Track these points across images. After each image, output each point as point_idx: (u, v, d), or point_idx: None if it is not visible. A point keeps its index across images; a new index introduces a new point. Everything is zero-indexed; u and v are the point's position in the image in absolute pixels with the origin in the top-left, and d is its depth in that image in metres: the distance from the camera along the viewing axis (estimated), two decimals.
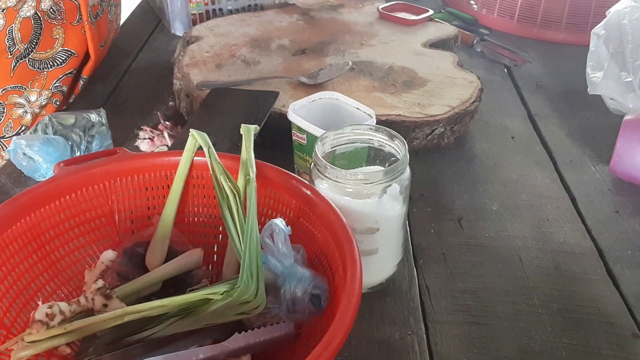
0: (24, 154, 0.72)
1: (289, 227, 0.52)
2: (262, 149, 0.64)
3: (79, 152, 0.76)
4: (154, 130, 0.86)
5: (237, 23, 1.10)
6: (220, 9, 1.21)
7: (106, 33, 1.04)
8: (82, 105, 0.97)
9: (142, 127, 0.86)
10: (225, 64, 0.95)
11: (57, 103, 0.96)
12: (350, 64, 0.90)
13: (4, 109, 0.91)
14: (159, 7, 1.28)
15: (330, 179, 0.56)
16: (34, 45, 0.89)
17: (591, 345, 0.58)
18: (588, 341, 0.58)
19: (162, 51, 1.15)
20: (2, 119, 0.92)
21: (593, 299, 0.63)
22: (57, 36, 0.93)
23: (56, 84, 0.94)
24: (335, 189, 0.57)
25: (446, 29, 1.07)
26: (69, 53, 0.94)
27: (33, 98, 0.92)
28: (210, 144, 0.58)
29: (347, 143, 0.61)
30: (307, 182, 0.56)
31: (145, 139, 0.84)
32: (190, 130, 0.59)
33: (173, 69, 0.97)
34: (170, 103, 0.96)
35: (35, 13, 0.89)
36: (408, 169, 0.59)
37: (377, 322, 0.60)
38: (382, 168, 0.57)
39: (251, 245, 0.49)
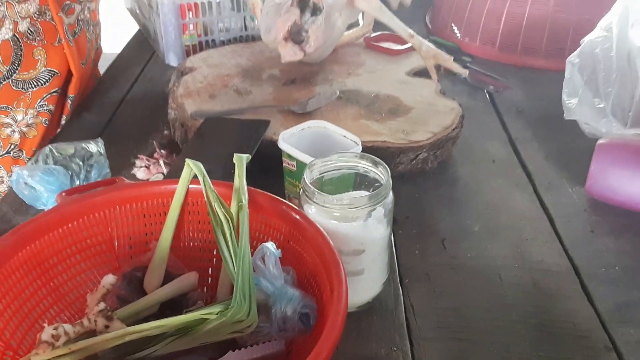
0: (26, 183, 0.76)
1: (279, 250, 0.55)
2: (255, 174, 0.67)
3: (78, 181, 0.80)
4: (150, 159, 0.89)
5: (229, 54, 1.14)
6: (213, 40, 1.26)
7: (86, 52, 1.09)
8: (80, 135, 1.00)
9: (138, 155, 0.90)
10: (218, 94, 0.99)
11: (47, 122, 0.99)
12: (338, 92, 0.94)
13: None
14: (153, 39, 1.32)
15: (318, 204, 0.60)
16: (16, 66, 0.94)
17: (566, 358, 0.61)
18: (564, 354, 0.62)
19: (156, 81, 1.19)
20: None
21: (569, 314, 0.66)
22: (39, 57, 0.98)
23: (41, 103, 0.99)
24: (323, 213, 0.61)
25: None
26: (52, 73, 0.99)
27: (19, 117, 0.97)
28: (205, 172, 0.62)
29: (334, 170, 0.65)
30: (296, 207, 0.60)
31: (141, 167, 0.88)
32: (186, 160, 0.63)
33: (168, 99, 1.01)
34: (166, 132, 0.99)
35: (14, 35, 0.94)
36: (391, 194, 0.62)
37: (364, 339, 0.63)
38: (367, 193, 0.61)
39: (244, 268, 0.53)
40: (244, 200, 0.58)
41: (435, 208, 0.83)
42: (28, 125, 0.98)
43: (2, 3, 0.93)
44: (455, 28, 1.35)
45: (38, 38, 0.98)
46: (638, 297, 0.69)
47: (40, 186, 0.75)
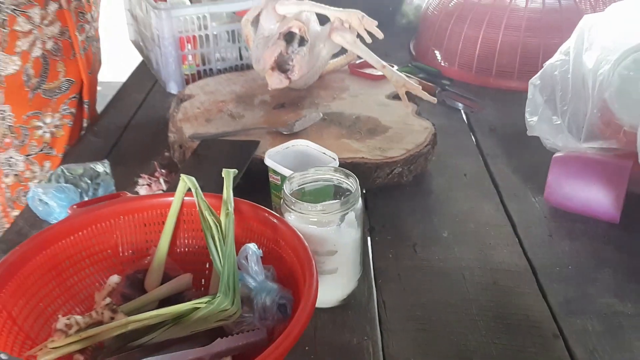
0: (40, 200, 0.85)
1: (261, 250, 0.64)
2: (246, 190, 0.77)
3: (86, 198, 0.89)
4: (151, 177, 0.99)
5: (224, 82, 1.24)
6: (211, 69, 1.36)
7: (92, 63, 1.29)
8: (89, 157, 1.09)
9: (140, 174, 0.99)
10: (213, 118, 1.09)
11: (71, 123, 1.20)
12: (322, 115, 1.04)
13: (27, 132, 1.15)
14: (155, 69, 1.43)
15: (296, 211, 0.69)
16: (44, 78, 1.14)
17: (518, 345, 0.69)
18: (516, 342, 0.70)
19: (158, 108, 1.29)
20: (27, 140, 1.16)
21: (523, 307, 0.74)
22: (60, 69, 1.19)
23: (64, 107, 1.19)
24: (301, 219, 0.69)
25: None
26: (70, 82, 1.20)
27: (48, 120, 1.17)
28: (198, 186, 0.71)
29: (312, 182, 0.74)
30: (276, 214, 0.68)
31: (143, 185, 0.97)
32: (181, 175, 0.72)
33: (168, 124, 1.10)
34: (166, 154, 1.09)
35: (43, 53, 1.15)
36: (360, 201, 0.71)
37: (339, 330, 0.71)
38: (339, 200, 0.69)
39: (229, 265, 0.61)
40: (230, 208, 0.66)
41: (409, 217, 0.92)
42: (56, 127, 1.19)
43: (34, 27, 1.13)
44: (436, 53, 1.44)
45: (59, 54, 1.18)
46: (586, 292, 0.77)
47: (53, 202, 0.84)
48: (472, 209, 0.93)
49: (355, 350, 0.68)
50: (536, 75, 1.01)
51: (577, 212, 0.88)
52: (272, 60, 1.06)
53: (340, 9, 1.05)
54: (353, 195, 0.69)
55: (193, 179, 0.71)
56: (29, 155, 1.17)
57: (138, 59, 1.59)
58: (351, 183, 0.71)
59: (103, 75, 1.43)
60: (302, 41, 1.10)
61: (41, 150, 1.19)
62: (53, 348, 0.58)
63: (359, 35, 1.06)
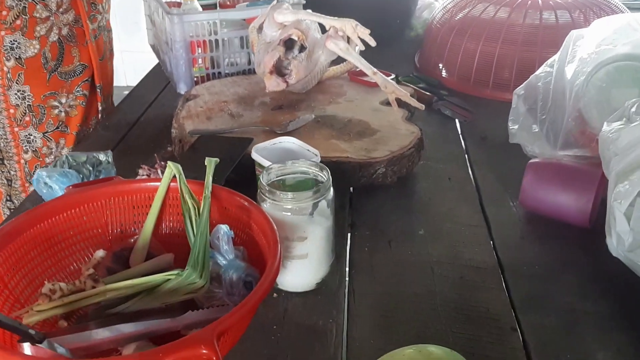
0: (45, 183, 0.92)
1: (232, 232, 0.69)
2: (239, 183, 0.82)
3: None
4: (151, 169, 1.05)
5: (229, 84, 1.30)
6: (220, 72, 1.43)
7: (103, 51, 1.42)
8: (98, 148, 1.15)
9: (141, 165, 1.05)
10: (214, 116, 1.15)
11: (84, 104, 1.32)
12: (314, 116, 1.09)
13: (45, 111, 1.27)
14: (168, 71, 1.50)
15: (270, 199, 0.74)
16: (60, 61, 1.26)
17: (475, 335, 0.73)
18: (473, 332, 0.73)
19: (167, 107, 1.36)
20: (44, 119, 1.28)
21: (485, 301, 0.78)
22: (75, 54, 1.32)
23: (77, 89, 1.32)
24: (275, 207, 0.74)
25: (405, 90, 1.26)
26: (84, 66, 1.33)
27: (63, 100, 1.30)
28: (182, 172, 0.76)
29: (291, 174, 0.79)
30: (252, 201, 0.74)
31: (143, 175, 1.03)
32: (168, 162, 0.78)
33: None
34: (169, 148, 1.15)
35: (59, 38, 1.28)
36: (332, 192, 0.76)
37: (308, 313, 0.76)
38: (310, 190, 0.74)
39: (200, 241, 0.67)
40: (207, 192, 0.72)
41: (389, 215, 0.96)
42: (70, 107, 1.31)
43: (51, 14, 1.25)
44: (440, 65, 1.49)
45: (74, 40, 1.31)
46: (549, 290, 0.80)
47: (56, 185, 0.90)
48: (451, 210, 0.97)
49: (320, 331, 0.73)
50: (521, 86, 1.05)
51: (550, 216, 0.91)
52: (271, 65, 1.12)
53: (336, 17, 1.10)
54: (324, 186, 0.74)
55: (178, 165, 0.77)
56: (46, 132, 1.29)
57: (154, 61, 1.67)
58: (324, 175, 0.76)
59: (130, 81, 1.57)
60: (302, 48, 1.16)
61: (57, 128, 1.31)
62: (38, 311, 0.64)
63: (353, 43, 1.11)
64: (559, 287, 0.80)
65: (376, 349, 0.70)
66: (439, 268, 0.84)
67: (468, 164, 1.12)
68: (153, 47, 1.70)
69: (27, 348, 0.59)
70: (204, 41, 1.38)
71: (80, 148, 1.19)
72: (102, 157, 0.99)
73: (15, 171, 1.29)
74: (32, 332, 0.58)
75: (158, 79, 1.55)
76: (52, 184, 0.91)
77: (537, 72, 1.05)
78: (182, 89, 1.41)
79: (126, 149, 1.18)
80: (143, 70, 1.68)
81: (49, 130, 1.31)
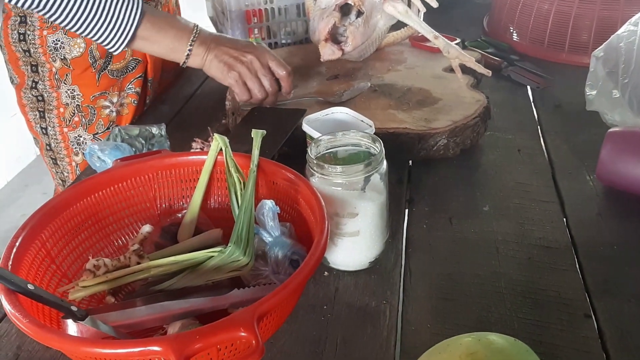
0: (98, 157, 0.91)
1: (278, 207, 0.65)
2: (292, 156, 0.78)
3: None
4: (205, 142, 1.03)
5: (285, 54, 1.26)
6: (276, 42, 1.39)
7: None
8: (153, 122, 1.16)
9: (195, 139, 1.03)
10: None
11: (135, 102, 1.21)
12: (369, 85, 1.03)
13: (95, 111, 1.18)
14: None
15: (318, 173, 0.69)
16: (110, 59, 1.15)
17: (543, 321, 0.66)
18: (541, 317, 0.67)
19: None
20: (94, 119, 1.18)
21: (556, 285, 0.71)
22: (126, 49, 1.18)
23: (129, 86, 1.20)
24: (324, 182, 0.70)
25: (470, 55, 1.18)
26: (137, 61, 1.20)
27: (115, 100, 1.19)
28: (228, 144, 0.73)
29: (340, 146, 0.74)
30: (300, 175, 0.69)
31: (197, 148, 1.01)
32: (215, 134, 0.75)
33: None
34: (223, 121, 1.13)
35: None
36: (385, 165, 0.71)
37: (359, 293, 0.72)
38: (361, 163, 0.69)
39: (245, 217, 0.63)
40: (252, 166, 0.68)
41: (451, 190, 0.90)
42: (121, 105, 1.21)
43: None
44: (510, 28, 1.39)
45: None
46: (628, 273, 0.72)
47: (108, 159, 0.90)
48: (520, 184, 0.90)
49: (373, 313, 0.68)
50: (600, 47, 0.96)
51: (631, 191, 0.82)
52: (326, 32, 1.06)
53: None
54: (376, 159, 0.69)
55: (225, 138, 0.74)
56: (96, 134, 1.19)
57: None
58: (377, 147, 0.71)
59: None
60: (359, 13, 1.09)
61: (107, 129, 1.20)
62: (82, 287, 0.63)
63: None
64: (639, 270, 0.72)
65: (432, 334, 0.65)
66: (505, 247, 0.77)
67: (540, 134, 1.03)
68: (212, 19, 1.68)
69: (70, 324, 0.58)
70: (259, 10, 1.34)
71: (137, 122, 1.18)
72: (155, 130, 0.98)
73: (68, 173, 1.23)
74: (74, 308, 0.57)
75: None
76: (105, 158, 0.91)
77: (619, 32, 0.95)
78: None
79: (182, 122, 1.16)
80: None
81: (99, 132, 1.20)
